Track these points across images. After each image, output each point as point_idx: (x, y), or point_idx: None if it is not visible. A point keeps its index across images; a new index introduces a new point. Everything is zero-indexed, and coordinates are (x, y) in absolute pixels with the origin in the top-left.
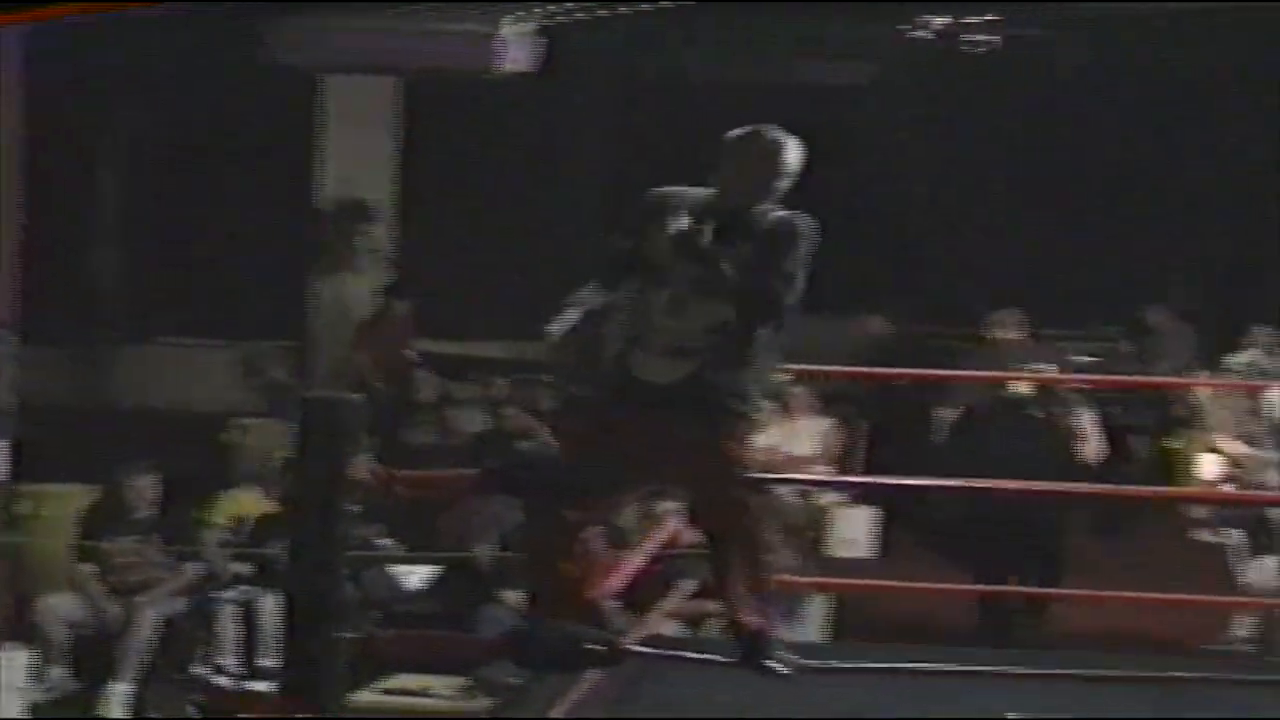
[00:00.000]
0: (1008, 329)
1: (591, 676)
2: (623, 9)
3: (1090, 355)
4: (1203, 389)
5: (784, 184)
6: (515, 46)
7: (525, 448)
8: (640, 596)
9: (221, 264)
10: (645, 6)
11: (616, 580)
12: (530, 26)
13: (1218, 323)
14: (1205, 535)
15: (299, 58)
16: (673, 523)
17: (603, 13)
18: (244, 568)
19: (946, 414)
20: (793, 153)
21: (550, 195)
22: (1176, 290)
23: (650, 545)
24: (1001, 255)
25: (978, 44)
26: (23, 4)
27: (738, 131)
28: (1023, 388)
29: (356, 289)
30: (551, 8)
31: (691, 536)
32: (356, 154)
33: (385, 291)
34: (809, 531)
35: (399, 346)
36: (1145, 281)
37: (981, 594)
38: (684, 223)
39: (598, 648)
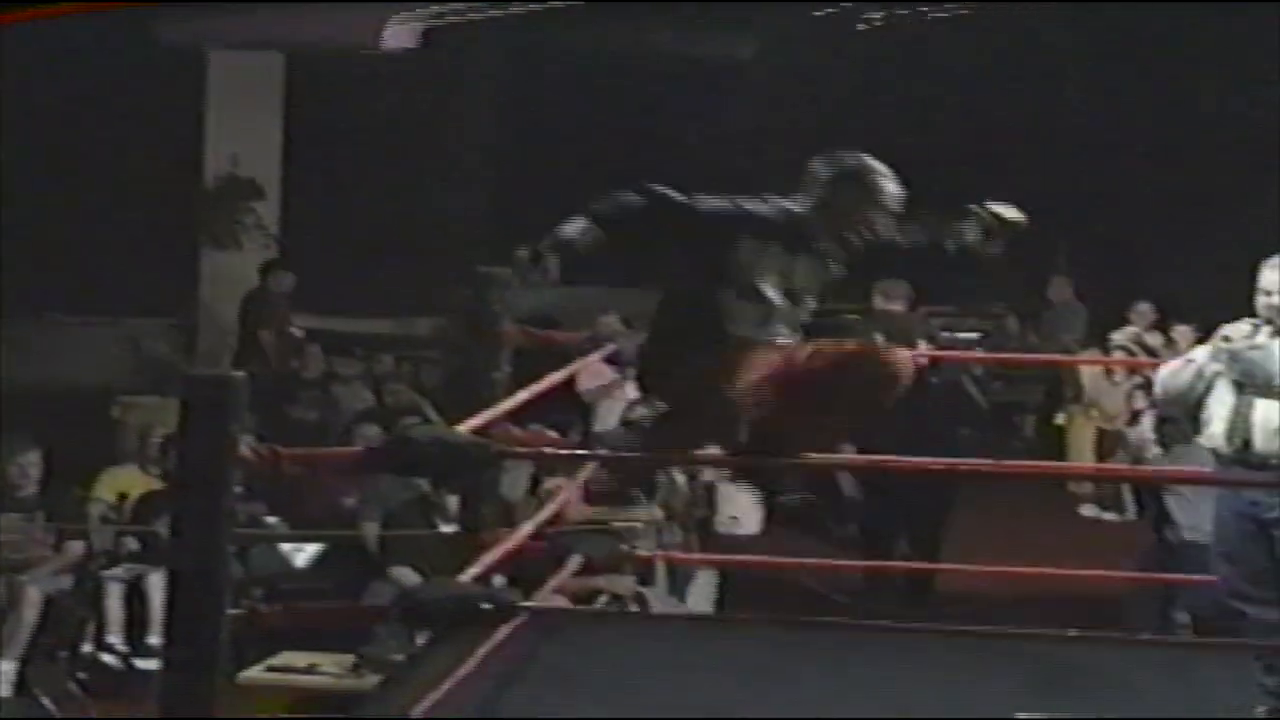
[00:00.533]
0: (892, 300)
1: (479, 652)
2: (515, 8)
3: (977, 331)
4: (1088, 366)
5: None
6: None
7: (410, 424)
8: (526, 572)
9: (108, 241)
10: (536, 6)
11: (500, 555)
12: (420, 26)
13: (1102, 299)
14: (1091, 511)
15: (185, 35)
16: (561, 499)
17: (495, 13)
18: (131, 545)
19: None
20: (894, 186)
21: (436, 172)
22: (1065, 266)
23: (536, 520)
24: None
25: (873, 21)
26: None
27: (845, 165)
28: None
29: (243, 266)
30: (444, 8)
31: (581, 512)
32: (243, 131)
33: (266, 268)
34: (696, 508)
35: (281, 323)
36: (1033, 257)
37: (867, 569)
38: (807, 257)
39: (489, 606)
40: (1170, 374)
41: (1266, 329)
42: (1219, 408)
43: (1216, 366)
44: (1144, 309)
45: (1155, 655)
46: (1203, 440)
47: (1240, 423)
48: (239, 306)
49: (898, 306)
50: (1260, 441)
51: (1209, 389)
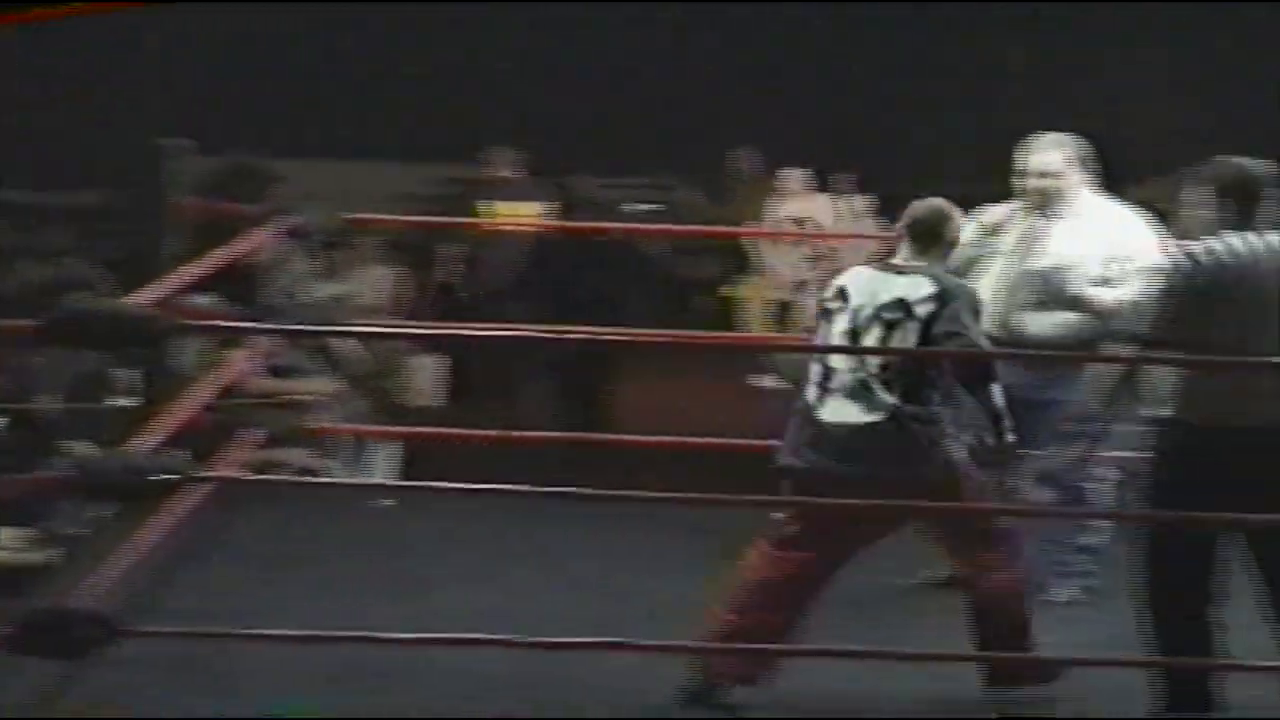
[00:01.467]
0: (501, 167)
1: (160, 525)
2: None
3: (650, 203)
4: (762, 238)
5: None
6: None
7: (85, 298)
8: (205, 446)
9: None
10: None
11: (171, 423)
12: None
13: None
14: (762, 381)
15: None
16: (231, 371)
17: None
18: None
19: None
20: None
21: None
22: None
23: (207, 389)
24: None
25: None
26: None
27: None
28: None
29: None
30: None
31: (259, 385)
32: None
33: None
34: (377, 380)
35: None
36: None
37: (544, 440)
38: None
39: (164, 476)
40: None
41: (1023, 212)
42: (988, 290)
43: (977, 250)
44: (794, 174)
45: None
46: None
47: (1013, 305)
48: None
49: (507, 173)
50: (1032, 325)
51: (976, 269)
